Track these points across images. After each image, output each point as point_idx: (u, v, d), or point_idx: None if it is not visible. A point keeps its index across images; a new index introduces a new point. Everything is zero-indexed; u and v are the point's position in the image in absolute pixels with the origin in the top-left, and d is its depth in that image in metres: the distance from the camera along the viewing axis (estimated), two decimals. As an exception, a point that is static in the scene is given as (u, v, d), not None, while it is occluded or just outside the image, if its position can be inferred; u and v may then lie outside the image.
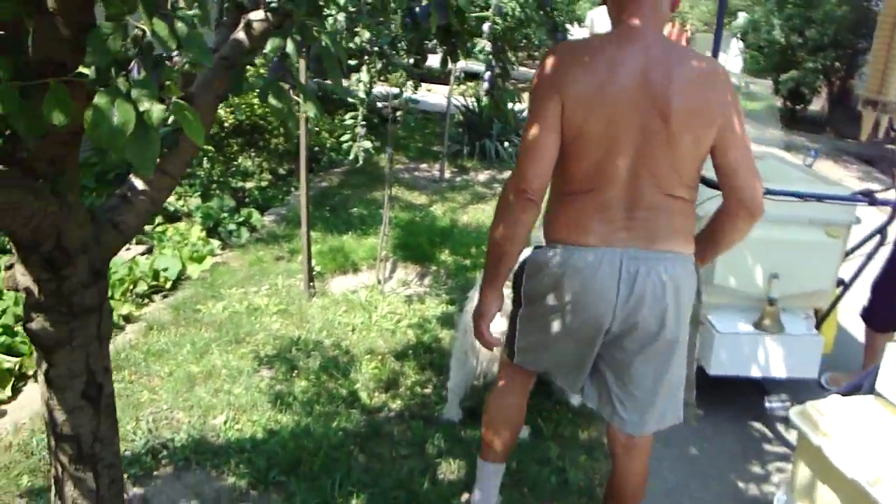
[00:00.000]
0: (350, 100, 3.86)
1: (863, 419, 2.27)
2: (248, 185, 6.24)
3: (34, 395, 3.10)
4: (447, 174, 7.60)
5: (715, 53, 3.02)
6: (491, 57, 2.51)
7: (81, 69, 1.16)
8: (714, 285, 3.22)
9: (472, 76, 9.68)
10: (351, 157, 4.09)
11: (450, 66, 2.41)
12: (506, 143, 8.36)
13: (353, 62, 3.77)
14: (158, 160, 1.25)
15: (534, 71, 2.25)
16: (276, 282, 4.50)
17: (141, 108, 1.05)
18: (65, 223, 1.51)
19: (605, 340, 2.03)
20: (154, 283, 4.34)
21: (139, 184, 1.71)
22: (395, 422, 3.17)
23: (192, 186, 5.74)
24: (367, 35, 3.45)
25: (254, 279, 4.54)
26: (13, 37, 1.28)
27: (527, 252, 2.15)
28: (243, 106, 6.23)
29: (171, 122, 1.20)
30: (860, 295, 3.66)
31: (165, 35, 1.06)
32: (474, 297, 2.38)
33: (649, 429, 2.13)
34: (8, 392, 3.18)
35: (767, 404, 3.29)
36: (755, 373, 3.32)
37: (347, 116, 4.11)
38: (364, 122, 4.03)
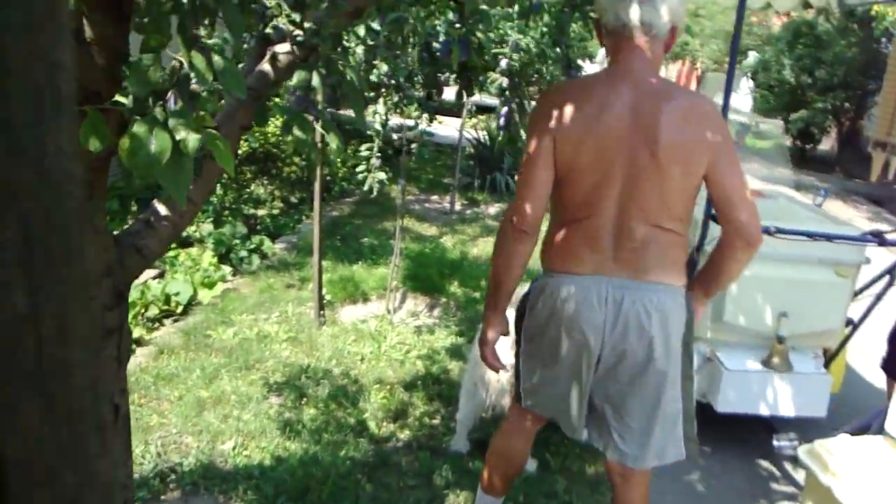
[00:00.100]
0: (368, 132, 3.92)
1: (872, 459, 2.27)
2: (261, 212, 6.30)
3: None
4: (458, 206, 7.65)
5: (727, 92, 3.05)
6: (507, 92, 2.55)
7: (118, 97, 1.20)
8: (723, 323, 3.24)
9: (484, 109, 9.78)
10: (366, 187, 4.14)
11: (463, 99, 2.46)
12: (516, 177, 8.37)
13: (370, 94, 3.84)
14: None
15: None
16: (287, 309, 4.53)
17: (177, 137, 1.09)
18: (91, 246, 1.54)
19: (599, 373, 2.06)
20: (165, 307, 4.37)
21: (162, 209, 1.74)
22: (403, 452, 3.17)
23: (205, 212, 5.79)
24: (385, 68, 3.52)
25: (264, 306, 4.57)
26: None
27: (525, 287, 2.23)
28: (257, 134, 6.30)
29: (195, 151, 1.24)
30: (869, 335, 3.65)
31: (203, 67, 1.10)
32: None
33: (649, 462, 2.14)
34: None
35: (776, 443, 3.27)
36: (763, 411, 3.31)
37: (363, 147, 4.17)
38: (379, 154, 4.09)
